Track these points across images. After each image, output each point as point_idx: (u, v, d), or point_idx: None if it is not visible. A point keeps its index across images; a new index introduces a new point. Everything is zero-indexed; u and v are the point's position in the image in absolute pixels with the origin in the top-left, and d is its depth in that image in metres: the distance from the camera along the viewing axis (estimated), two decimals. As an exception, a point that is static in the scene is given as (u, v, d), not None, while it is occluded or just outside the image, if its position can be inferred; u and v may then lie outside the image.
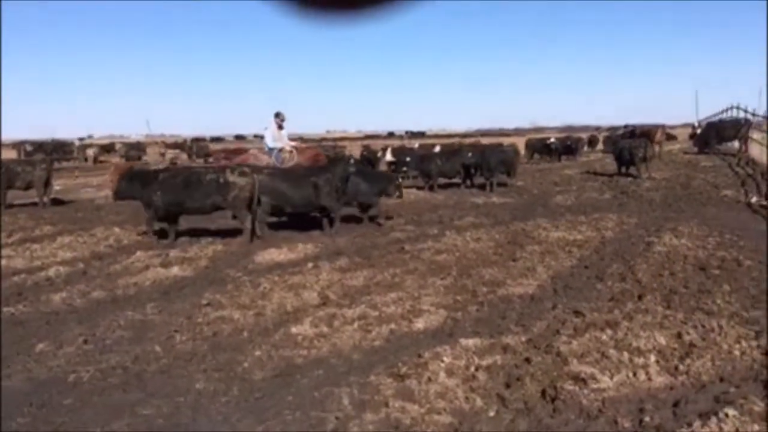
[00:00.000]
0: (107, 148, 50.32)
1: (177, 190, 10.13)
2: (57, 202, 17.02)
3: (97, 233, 11.24)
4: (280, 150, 13.13)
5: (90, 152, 44.09)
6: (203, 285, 7.53)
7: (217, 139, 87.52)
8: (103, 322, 6.14)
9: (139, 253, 9.22)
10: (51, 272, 8.35)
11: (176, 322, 6.13)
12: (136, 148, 45.87)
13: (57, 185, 18.31)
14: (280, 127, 13.29)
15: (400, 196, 12.05)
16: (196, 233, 10.87)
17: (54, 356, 5.34)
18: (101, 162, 41.58)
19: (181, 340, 5.65)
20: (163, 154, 42.79)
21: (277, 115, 13.23)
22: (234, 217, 10.32)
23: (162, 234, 10.39)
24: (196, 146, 46.50)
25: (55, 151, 39.95)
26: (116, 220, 12.93)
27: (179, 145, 52.03)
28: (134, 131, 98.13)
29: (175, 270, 8.31)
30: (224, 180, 10.09)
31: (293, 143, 13.90)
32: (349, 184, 11.18)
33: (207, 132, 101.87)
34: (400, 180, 12.06)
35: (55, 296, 7.18)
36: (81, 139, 69.14)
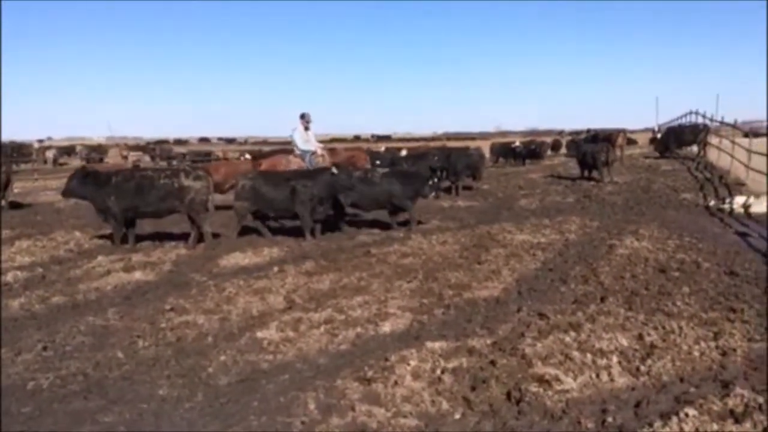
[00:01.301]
0: (67, 151, 49.47)
1: (131, 193, 9.93)
2: (15, 205, 16.66)
3: (56, 237, 11.03)
4: (313, 153, 13.12)
5: (49, 154, 43.27)
6: (167, 289, 7.43)
7: (180, 142, 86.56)
8: (63, 328, 6.02)
9: (100, 258, 9.07)
10: (9, 277, 8.15)
11: (139, 327, 6.03)
12: (97, 151, 45.15)
13: (16, 188, 17.91)
14: (306, 129, 13.24)
15: (437, 195, 11.68)
16: (159, 237, 10.73)
17: (12, 363, 5.21)
18: (61, 164, 40.84)
19: (144, 346, 5.57)
20: (125, 157, 42.16)
21: (303, 116, 13.15)
22: (191, 221, 10.16)
23: (122, 238, 10.21)
24: (159, 148, 45.99)
25: (14, 153, 39.11)
26: (77, 224, 12.71)
27: (142, 148, 51.40)
28: (95, 133, 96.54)
29: (137, 274, 8.19)
30: (179, 184, 9.96)
31: (321, 145, 13.86)
32: (380, 186, 11.12)
33: (170, 134, 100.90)
34: (435, 179, 11.63)
35: (13, 302, 7.02)
36: (40, 141, 67.85)
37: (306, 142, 13.19)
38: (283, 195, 10.42)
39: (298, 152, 13.40)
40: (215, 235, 10.34)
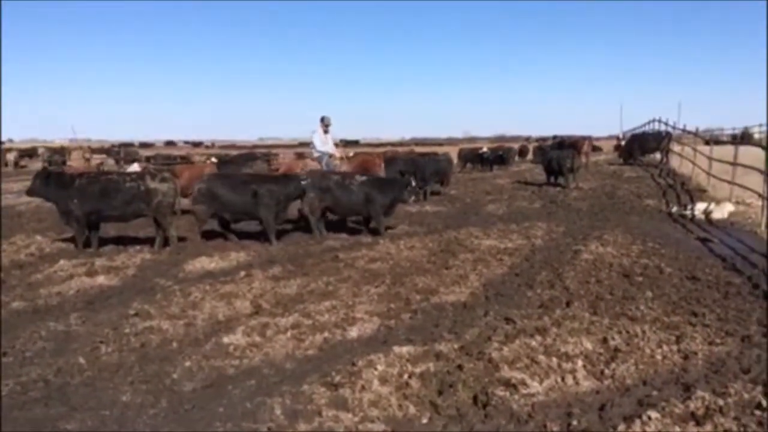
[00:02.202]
0: (29, 153, 48.52)
1: (95, 197, 9.77)
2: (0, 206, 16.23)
3: (17, 241, 10.78)
4: (330, 156, 13.25)
5: (10, 157, 42.39)
6: (131, 294, 7.31)
7: (145, 145, 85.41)
8: (23, 334, 5.88)
9: (62, 262, 8.89)
10: (-33, 282, 7.94)
11: (102, 333, 5.92)
12: (59, 153, 44.28)
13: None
14: (326, 132, 13.46)
15: (417, 199, 11.38)
16: (123, 241, 10.57)
17: (-31, 370, 5.08)
18: (22, 167, 40.03)
19: (107, 352, 5.47)
20: (88, 160, 41.40)
21: (323, 119, 13.40)
22: (157, 224, 10.05)
23: (85, 242, 10.03)
24: (124, 151, 45.30)
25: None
26: (38, 228, 12.44)
27: (105, 150, 50.62)
28: (58, 135, 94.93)
29: (101, 279, 8.05)
30: (146, 187, 9.84)
31: (338, 150, 14.01)
32: (357, 192, 11.03)
33: (135, 137, 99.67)
34: (413, 183, 11.40)
35: (-30, 307, 6.83)
36: (0, 143, 66.39)
37: (324, 144, 13.42)
38: (242, 198, 10.36)
39: (316, 155, 13.52)
40: (181, 239, 10.22)
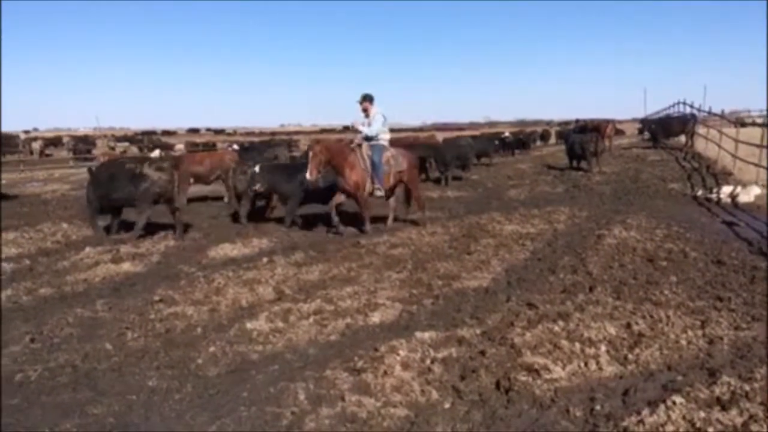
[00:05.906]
0: (53, 142, 49.15)
1: (104, 182, 9.93)
2: (1, 196, 16.47)
3: (43, 229, 10.95)
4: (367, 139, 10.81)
5: (35, 145, 42.94)
6: (155, 281, 7.40)
7: (168, 132, 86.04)
8: (50, 320, 5.98)
9: (88, 249, 9.01)
10: (-5, 269, 8.07)
11: (127, 318, 6.00)
12: (84, 142, 44.81)
13: (3, 180, 17.72)
14: (365, 115, 10.72)
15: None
16: (148, 228, 10.67)
17: (-1, 356, 5.18)
18: (47, 156, 40.56)
19: (133, 337, 5.54)
20: (112, 148, 41.84)
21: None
22: (171, 212, 10.13)
23: (107, 228, 10.16)
24: (147, 139, 45.74)
25: (-1, 145, 38.73)
26: (64, 215, 12.61)
27: (129, 138, 51.14)
28: (82, 124, 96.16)
29: (126, 266, 8.15)
30: (140, 171, 9.86)
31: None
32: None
33: (158, 125, 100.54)
34: None
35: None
36: (26, 132, 67.39)
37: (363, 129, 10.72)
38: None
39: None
40: (207, 226, 10.31)
